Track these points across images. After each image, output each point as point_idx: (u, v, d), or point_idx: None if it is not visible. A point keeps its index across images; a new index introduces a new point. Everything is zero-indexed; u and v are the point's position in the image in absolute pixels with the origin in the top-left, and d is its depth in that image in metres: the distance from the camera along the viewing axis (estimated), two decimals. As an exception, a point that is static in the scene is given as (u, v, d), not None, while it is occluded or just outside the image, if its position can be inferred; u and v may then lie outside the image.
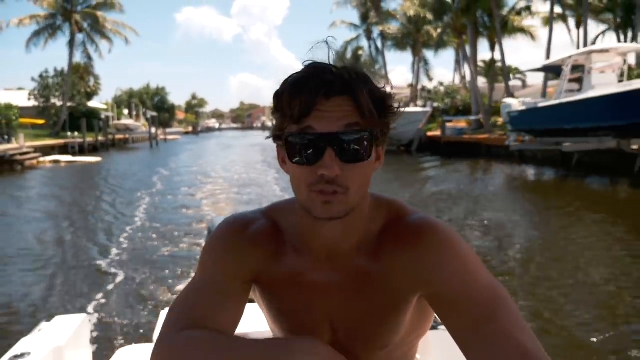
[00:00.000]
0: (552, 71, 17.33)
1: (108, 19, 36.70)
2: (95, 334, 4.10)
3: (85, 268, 6.23)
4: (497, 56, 26.83)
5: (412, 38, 34.38)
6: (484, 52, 47.92)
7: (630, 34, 23.13)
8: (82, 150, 28.08)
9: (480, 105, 26.03)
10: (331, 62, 0.74)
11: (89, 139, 30.41)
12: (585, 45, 20.78)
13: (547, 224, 8.73)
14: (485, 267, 0.73)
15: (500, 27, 25.07)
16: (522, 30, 27.82)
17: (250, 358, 0.68)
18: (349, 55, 41.62)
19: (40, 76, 35.81)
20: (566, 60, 14.80)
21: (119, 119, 44.66)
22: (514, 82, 39.10)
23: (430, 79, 38.18)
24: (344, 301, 0.79)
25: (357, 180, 0.72)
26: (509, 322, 0.66)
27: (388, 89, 0.75)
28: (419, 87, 36.92)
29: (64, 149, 27.05)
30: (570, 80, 15.13)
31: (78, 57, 37.54)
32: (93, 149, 30.15)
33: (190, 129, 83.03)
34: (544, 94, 21.47)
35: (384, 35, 37.37)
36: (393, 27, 35.90)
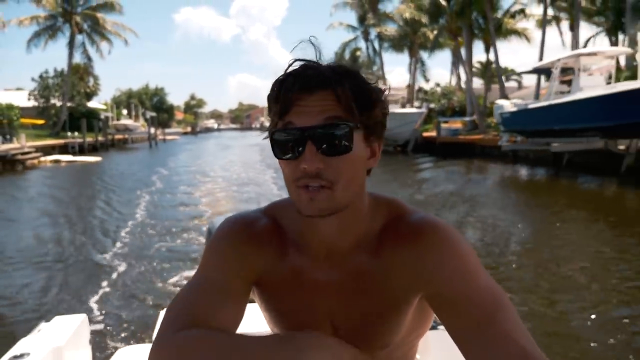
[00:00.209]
0: (543, 73, 17.72)
1: (108, 20, 36.99)
2: (100, 326, 4.23)
3: (86, 262, 6.46)
4: (493, 58, 27.22)
5: (409, 40, 34.74)
6: (480, 53, 49.01)
7: (621, 37, 23.53)
8: (82, 150, 28.42)
9: (475, 106, 26.42)
10: (318, 60, 0.74)
11: (89, 139, 30.77)
12: (577, 47, 21.19)
13: (532, 220, 9.10)
14: (485, 269, 0.74)
15: (495, 30, 25.47)
16: (516, 32, 28.23)
17: (256, 355, 0.66)
18: (347, 56, 41.92)
19: (40, 77, 36.14)
20: (555, 63, 15.17)
21: (118, 119, 44.86)
22: (510, 84, 39.56)
23: (427, 80, 38.58)
24: (344, 300, 0.79)
25: (343, 174, 0.71)
26: (508, 324, 0.67)
27: (381, 86, 0.75)
28: (416, 88, 37.32)
29: (64, 149, 27.39)
30: (562, 82, 15.53)
31: (78, 58, 37.90)
32: (93, 149, 30.50)
33: (188, 129, 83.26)
34: (536, 95, 21.84)
35: (381, 37, 37.77)
36: (390, 29, 36.27)
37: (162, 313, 2.06)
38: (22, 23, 34.21)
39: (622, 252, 6.39)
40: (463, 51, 29.00)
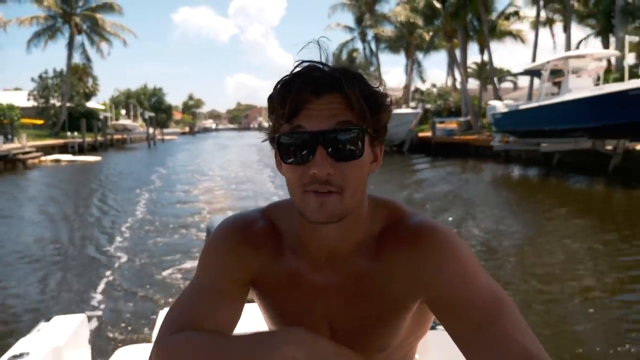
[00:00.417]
0: (534, 75, 18.07)
1: (107, 20, 37.21)
2: (100, 315, 4.41)
3: (87, 257, 6.72)
4: (487, 59, 27.57)
5: (405, 41, 35.09)
6: (475, 55, 49.25)
7: (612, 39, 23.89)
8: (81, 149, 28.71)
9: (470, 107, 26.77)
10: (323, 61, 0.73)
11: (88, 139, 31.07)
12: (569, 49, 21.57)
13: (519, 216, 9.46)
14: (485, 270, 0.74)
15: (489, 32, 25.83)
16: (511, 34, 28.59)
17: (239, 354, 0.69)
18: (344, 57, 42.23)
19: (40, 77, 36.40)
20: (545, 65, 15.53)
21: (116, 119, 45.08)
22: (505, 84, 39.87)
23: (424, 81, 38.93)
24: (343, 303, 0.79)
25: (352, 179, 0.70)
26: (510, 324, 0.66)
27: (381, 89, 0.74)
28: (412, 88, 37.67)
29: (64, 149, 27.70)
30: (554, 84, 15.89)
31: (77, 59, 38.15)
32: (92, 149, 30.80)
33: (187, 129, 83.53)
34: (529, 96, 22.20)
35: (377, 38, 38.10)
36: (387, 30, 36.60)
37: (162, 313, 2.10)
38: (23, 23, 34.47)
39: (606, 245, 6.82)
40: (458, 52, 29.38)
